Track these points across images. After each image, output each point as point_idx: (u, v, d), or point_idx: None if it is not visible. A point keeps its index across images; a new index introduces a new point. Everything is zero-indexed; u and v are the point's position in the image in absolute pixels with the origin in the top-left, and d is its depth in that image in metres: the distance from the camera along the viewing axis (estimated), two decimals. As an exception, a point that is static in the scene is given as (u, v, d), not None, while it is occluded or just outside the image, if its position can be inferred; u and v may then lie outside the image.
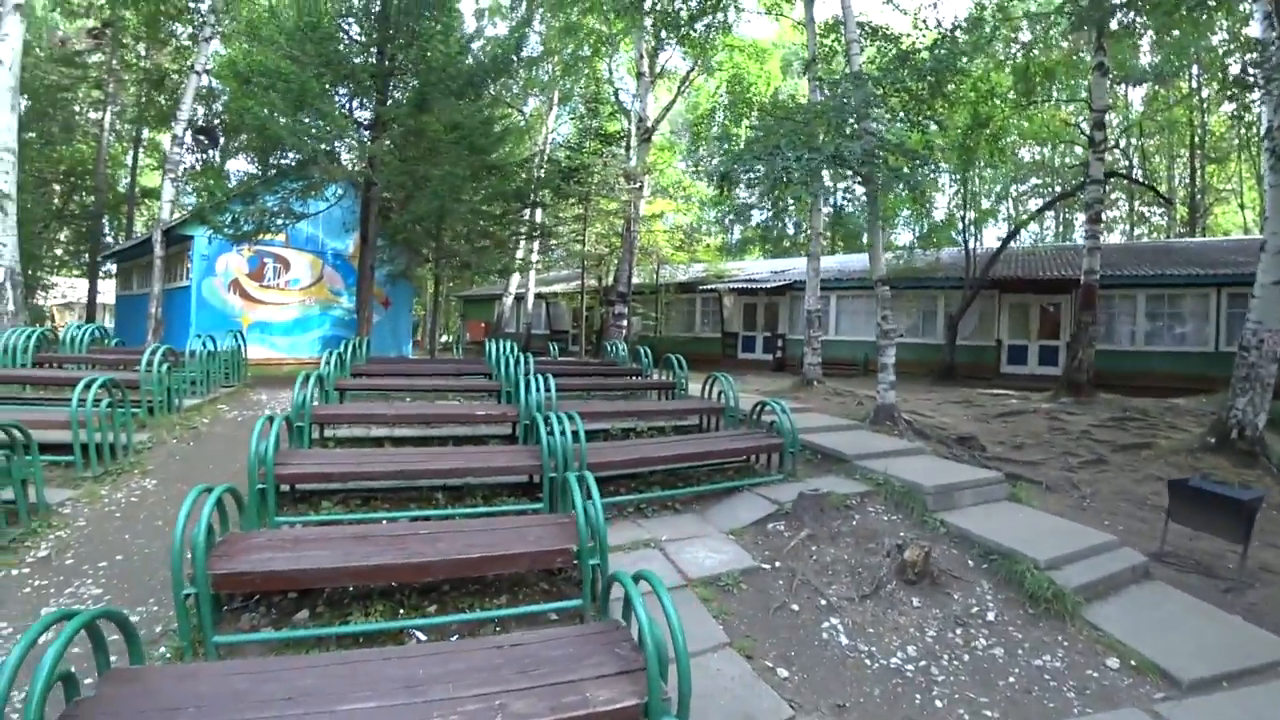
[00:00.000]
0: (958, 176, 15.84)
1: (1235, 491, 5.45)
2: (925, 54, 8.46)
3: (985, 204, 21.98)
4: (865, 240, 12.55)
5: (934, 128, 9.01)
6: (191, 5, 18.36)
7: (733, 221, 42.21)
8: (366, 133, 14.55)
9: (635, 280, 25.00)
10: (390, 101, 14.14)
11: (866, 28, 9.65)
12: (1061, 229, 32.04)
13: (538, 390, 6.99)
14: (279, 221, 14.23)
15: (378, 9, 13.67)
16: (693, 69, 19.91)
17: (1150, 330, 16.23)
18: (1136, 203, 30.70)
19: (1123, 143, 24.00)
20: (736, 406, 8.03)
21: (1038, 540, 5.10)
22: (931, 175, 10.48)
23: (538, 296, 29.93)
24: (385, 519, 5.10)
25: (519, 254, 27.99)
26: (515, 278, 29.79)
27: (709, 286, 22.64)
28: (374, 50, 13.99)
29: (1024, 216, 17.04)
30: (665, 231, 22.31)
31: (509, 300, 30.22)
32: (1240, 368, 9.21)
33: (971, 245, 18.27)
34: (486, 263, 20.35)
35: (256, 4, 18.69)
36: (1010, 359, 17.72)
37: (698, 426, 8.45)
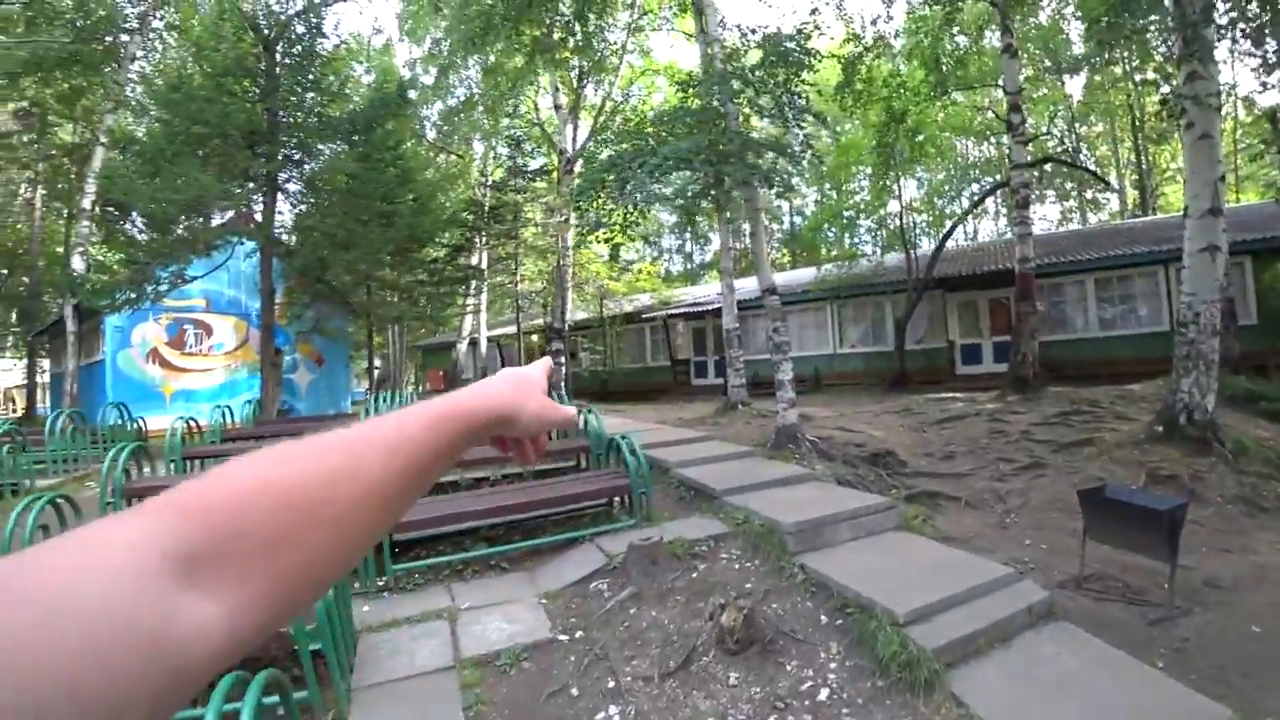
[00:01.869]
0: (889, 176, 15.08)
1: (1153, 500, 4.47)
2: (789, 42, 7.68)
3: (924, 202, 21.41)
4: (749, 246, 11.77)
5: (810, 121, 8.22)
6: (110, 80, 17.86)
7: (680, 248, 41.68)
8: (254, 191, 13.81)
9: (582, 315, 24.23)
10: (279, 158, 13.42)
11: (740, 28, 8.91)
12: (1010, 222, 31.60)
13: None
14: (161, 288, 13.35)
15: (262, 67, 13.01)
16: (608, 95, 19.32)
17: (1104, 315, 15.40)
18: (1088, 192, 30.34)
19: (1064, 132, 23.59)
20: (603, 443, 7.01)
21: (911, 583, 4.08)
22: (799, 169, 9.73)
23: (490, 340, 29.01)
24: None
25: (468, 299, 27.30)
26: (469, 322, 29.02)
27: (653, 314, 21.78)
28: (262, 109, 13.27)
29: (958, 211, 16.25)
30: (602, 262, 21.51)
31: (463, 346, 29.36)
32: (1180, 346, 8.32)
33: (914, 247, 17.51)
34: (413, 313, 19.55)
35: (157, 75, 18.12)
36: (965, 359, 16.83)
37: (575, 466, 7.45)
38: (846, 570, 4.34)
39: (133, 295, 12.86)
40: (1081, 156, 28.06)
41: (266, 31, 12.87)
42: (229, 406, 12.83)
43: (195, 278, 14.38)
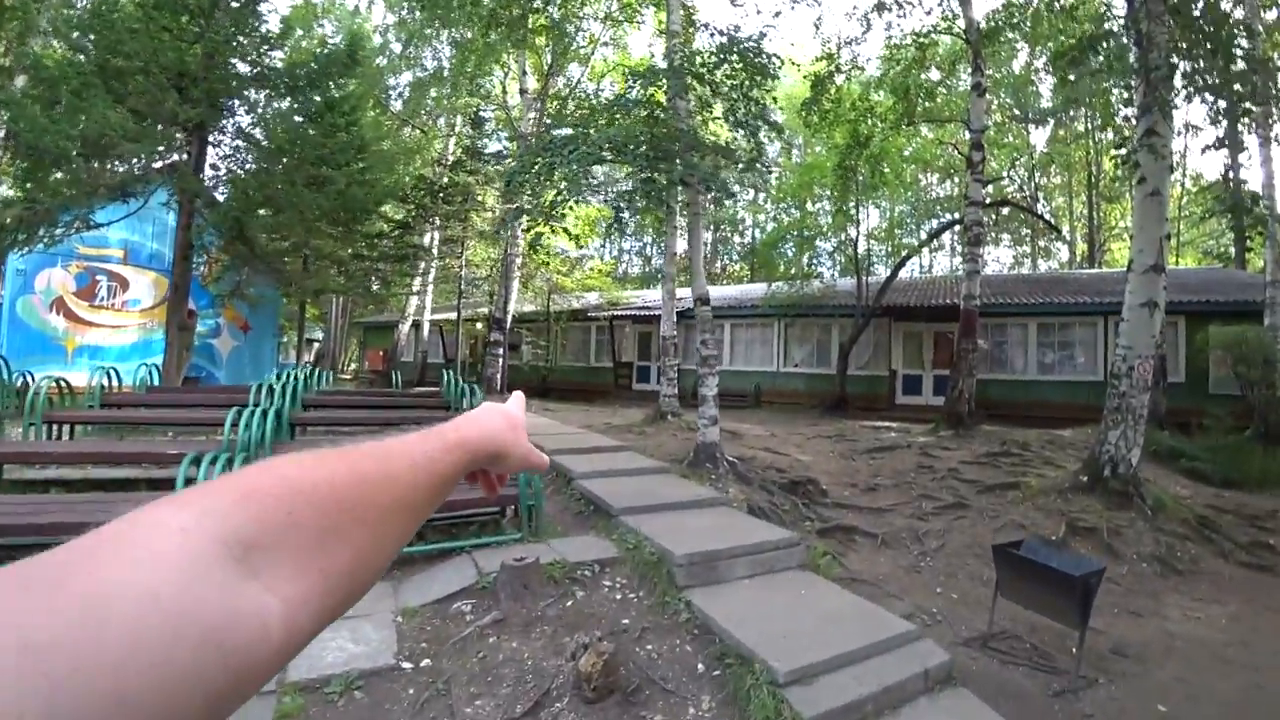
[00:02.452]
0: (848, 200, 14.89)
1: (1068, 563, 4.15)
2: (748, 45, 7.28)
3: (884, 232, 21.46)
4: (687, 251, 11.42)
5: (767, 130, 7.84)
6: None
7: (640, 250, 41.32)
8: (175, 137, 12.80)
9: (530, 308, 23.55)
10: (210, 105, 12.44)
11: (697, 22, 8.51)
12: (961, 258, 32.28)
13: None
14: (56, 230, 12.25)
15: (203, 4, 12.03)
16: (575, 85, 18.78)
17: (1042, 359, 15.54)
18: (1041, 240, 31.06)
19: (1024, 179, 23.98)
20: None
21: (801, 634, 3.65)
22: (751, 179, 9.44)
23: (432, 324, 28.08)
24: None
25: (413, 280, 26.35)
26: (413, 303, 28.04)
27: (600, 314, 21.28)
28: (201, 50, 12.23)
29: (915, 243, 16.22)
30: (553, 255, 20.89)
31: (405, 327, 28.39)
32: (1111, 398, 8.21)
33: (868, 273, 17.43)
34: (346, 287, 18.67)
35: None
36: (905, 389, 16.79)
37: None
38: (734, 613, 3.89)
39: (21, 236, 11.76)
40: (1039, 205, 28.68)
41: None
42: (154, 365, 11.84)
43: (103, 225, 13.27)
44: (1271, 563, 6.52)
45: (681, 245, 11.10)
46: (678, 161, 6.81)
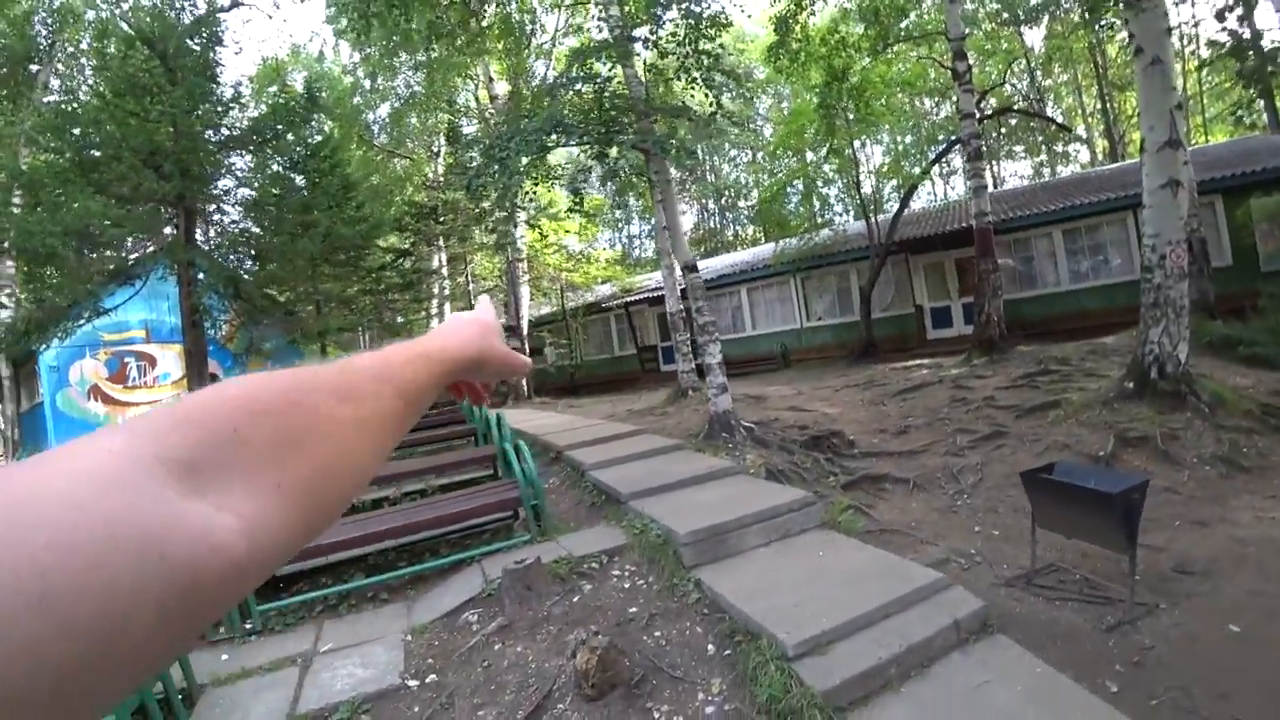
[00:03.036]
0: (834, 139, 14.19)
1: (1106, 479, 3.73)
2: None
3: (892, 167, 20.68)
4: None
5: (723, 81, 7.41)
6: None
7: (649, 233, 40.84)
8: (165, 211, 12.96)
9: (547, 309, 23.42)
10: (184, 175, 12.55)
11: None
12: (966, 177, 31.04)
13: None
14: (67, 324, 12.59)
15: (161, 83, 12.10)
16: (543, 79, 18.43)
17: (1074, 268, 14.71)
18: (1058, 145, 29.66)
19: (1026, 84, 22.85)
20: (503, 444, 6.27)
21: (815, 600, 3.35)
22: (724, 135, 9.05)
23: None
24: None
25: (429, 303, 26.55)
26: (433, 326, 28.24)
27: (614, 303, 21.03)
28: (168, 126, 12.32)
29: (917, 171, 15.44)
30: (555, 250, 20.69)
31: (432, 352, 28.71)
32: (1147, 293, 7.63)
33: (876, 212, 16.73)
34: (350, 322, 18.90)
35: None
36: (935, 323, 16.12)
37: (492, 476, 6.72)
38: (743, 586, 3.61)
39: (35, 334, 12.09)
40: (1048, 108, 27.34)
41: (160, 46, 11.93)
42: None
43: (111, 310, 13.64)
44: (1349, 444, 5.94)
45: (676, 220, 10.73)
46: (632, 130, 6.48)
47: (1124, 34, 8.93)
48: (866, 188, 16.85)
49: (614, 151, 6.64)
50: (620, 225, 41.94)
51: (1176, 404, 7.02)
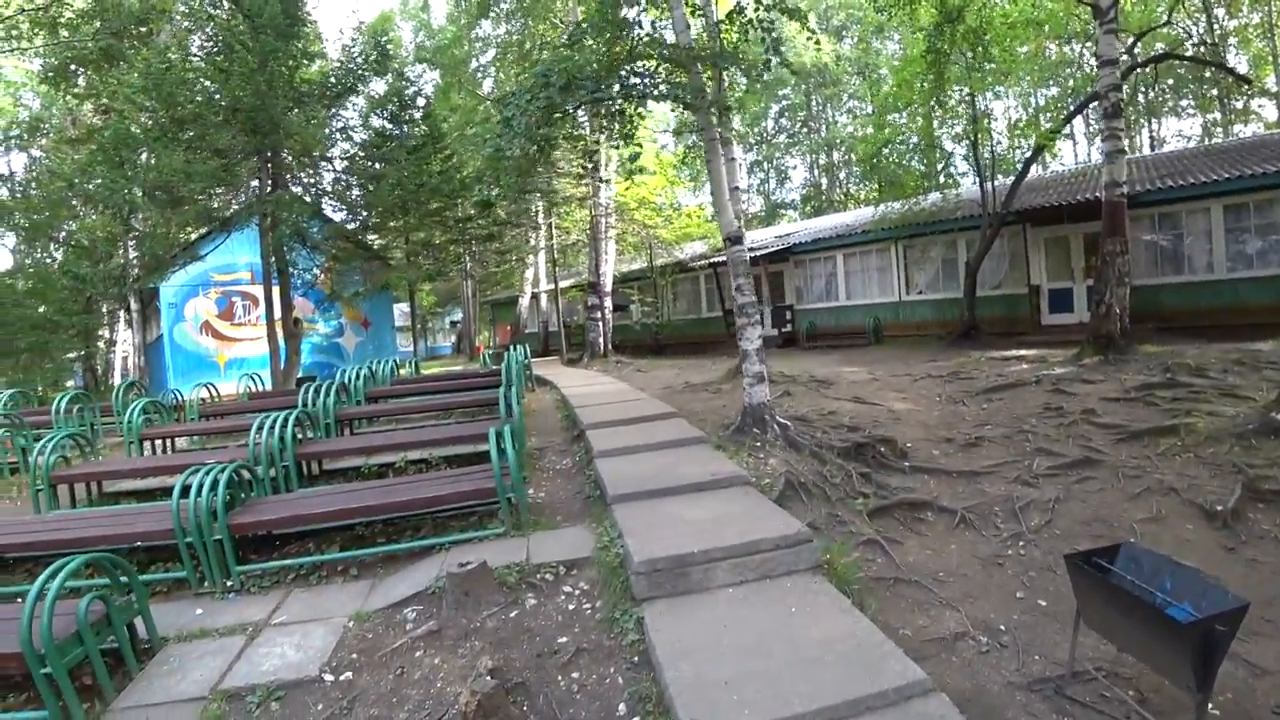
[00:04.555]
0: (945, 92, 12.32)
1: (1183, 587, 2.74)
2: None
3: (1029, 124, 18.30)
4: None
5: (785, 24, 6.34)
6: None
7: (758, 186, 38.91)
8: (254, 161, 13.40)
9: (636, 266, 22.85)
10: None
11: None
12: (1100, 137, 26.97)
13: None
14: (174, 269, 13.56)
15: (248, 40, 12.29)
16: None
17: (1235, 251, 12.36)
18: (1237, 100, 25.26)
19: (1201, 27, 19.38)
20: (513, 417, 5.86)
21: (757, 678, 2.69)
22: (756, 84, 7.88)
23: (549, 294, 28.40)
24: None
25: (522, 254, 26.74)
26: (529, 275, 28.54)
27: (700, 262, 20.14)
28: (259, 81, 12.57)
29: (1047, 129, 13.34)
30: (639, 205, 19.94)
31: (525, 300, 29.09)
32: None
33: (993, 175, 14.76)
34: (432, 270, 19.29)
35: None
36: (1053, 306, 14.20)
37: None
38: (682, 639, 3.03)
39: (141, 275, 13.03)
40: (1228, 56, 23.23)
41: (245, 2, 12.03)
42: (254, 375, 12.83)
43: (202, 256, 14.50)
44: None
45: (740, 179, 9.75)
46: (665, 84, 5.65)
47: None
48: (988, 149, 14.82)
49: (617, 103, 5.87)
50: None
51: (1334, 450, 5.56)
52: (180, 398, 10.60)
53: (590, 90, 5.95)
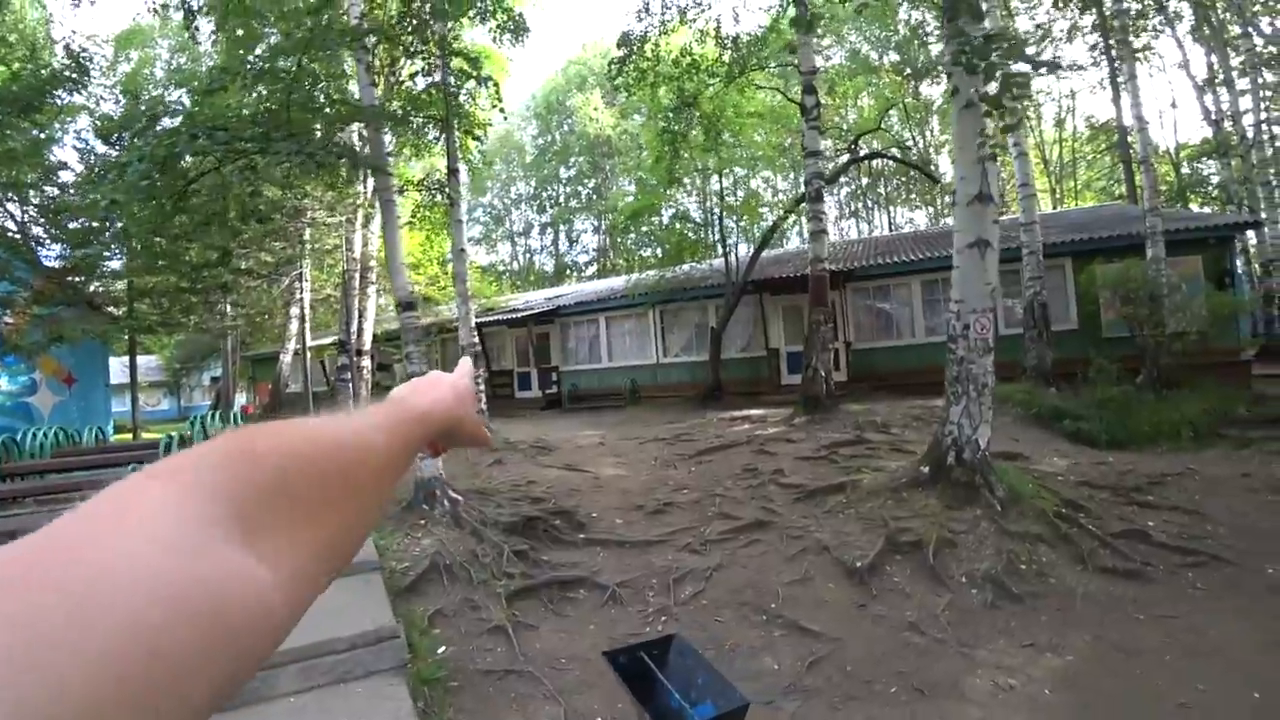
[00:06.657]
0: (678, 168, 13.06)
1: (708, 688, 2.41)
2: None
3: (771, 204, 19.94)
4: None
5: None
6: None
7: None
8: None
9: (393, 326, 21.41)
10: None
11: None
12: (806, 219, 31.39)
13: None
14: None
15: None
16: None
17: (930, 321, 14.15)
18: (947, 195, 30.08)
19: (911, 134, 22.75)
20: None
21: None
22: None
23: (313, 351, 25.81)
24: None
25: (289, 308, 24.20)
26: (292, 330, 25.84)
27: (454, 325, 19.33)
28: None
29: (781, 211, 14.65)
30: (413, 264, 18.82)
31: (287, 358, 26.20)
32: (950, 365, 6.70)
33: (735, 249, 15.78)
34: (153, 321, 16.52)
35: None
36: (790, 368, 15.21)
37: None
38: None
39: None
40: (941, 160, 27.62)
41: None
42: None
43: None
44: (1139, 564, 4.97)
45: (464, 240, 9.25)
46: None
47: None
48: (733, 222, 15.85)
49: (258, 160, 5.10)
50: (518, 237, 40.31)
51: (969, 497, 6.02)
52: None
53: (223, 141, 5.06)
